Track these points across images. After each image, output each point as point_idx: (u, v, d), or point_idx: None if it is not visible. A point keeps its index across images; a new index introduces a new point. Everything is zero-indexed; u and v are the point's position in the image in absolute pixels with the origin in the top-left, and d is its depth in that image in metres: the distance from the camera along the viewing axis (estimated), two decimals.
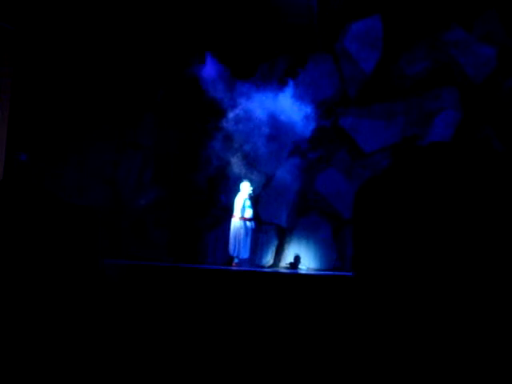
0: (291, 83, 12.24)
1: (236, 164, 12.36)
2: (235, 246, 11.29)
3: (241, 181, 11.60)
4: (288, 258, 11.83)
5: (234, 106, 12.24)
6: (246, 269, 10.10)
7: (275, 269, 10.74)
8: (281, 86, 12.28)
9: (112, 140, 12.49)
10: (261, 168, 12.36)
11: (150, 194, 12.61)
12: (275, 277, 7.26)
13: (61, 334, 1.34)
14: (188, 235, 12.53)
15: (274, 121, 12.15)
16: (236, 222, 11.35)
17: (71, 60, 11.98)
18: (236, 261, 11.31)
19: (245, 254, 11.31)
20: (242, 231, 11.28)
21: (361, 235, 0.92)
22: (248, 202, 11.37)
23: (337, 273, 8.56)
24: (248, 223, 11.35)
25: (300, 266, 11.74)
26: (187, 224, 12.57)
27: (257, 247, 11.80)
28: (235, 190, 11.61)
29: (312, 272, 10.46)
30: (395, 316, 0.87)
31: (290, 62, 12.52)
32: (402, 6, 12.20)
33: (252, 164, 12.41)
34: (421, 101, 12.11)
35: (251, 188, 11.40)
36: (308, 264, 11.72)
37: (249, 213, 11.33)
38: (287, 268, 11.69)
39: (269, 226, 12.31)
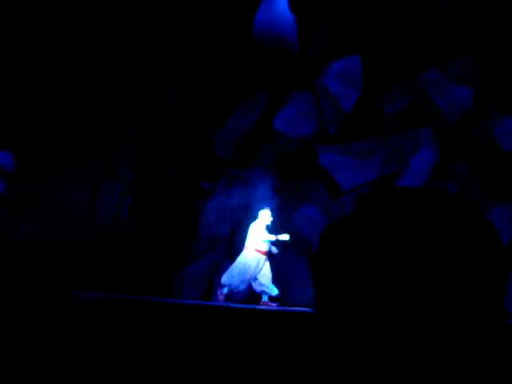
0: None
1: (217, 196, 12.38)
2: (234, 277, 10.42)
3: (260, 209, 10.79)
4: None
5: None
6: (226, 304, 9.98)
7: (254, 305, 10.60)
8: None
9: (90, 172, 12.47)
10: (239, 201, 12.38)
11: (128, 227, 12.57)
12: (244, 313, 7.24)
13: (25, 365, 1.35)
14: (165, 268, 12.46)
15: None
16: (248, 254, 10.42)
17: (50, 89, 12.01)
18: (223, 291, 10.50)
19: (273, 290, 10.46)
20: (253, 265, 10.38)
21: (321, 276, 0.95)
22: (265, 234, 10.47)
23: (299, 309, 8.52)
24: (262, 257, 10.45)
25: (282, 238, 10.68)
26: (164, 257, 12.51)
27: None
28: (217, 224, 11.57)
29: (274, 308, 10.18)
30: (349, 354, 0.89)
31: (269, 100, 12.64)
32: (382, 47, 12.42)
33: (231, 195, 12.44)
34: (398, 139, 12.27)
35: (271, 218, 10.60)
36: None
37: (264, 246, 10.47)
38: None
39: None
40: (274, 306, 10.47)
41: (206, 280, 12.26)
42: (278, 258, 12.07)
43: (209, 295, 11.87)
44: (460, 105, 12.27)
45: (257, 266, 10.46)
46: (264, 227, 10.50)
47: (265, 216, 10.57)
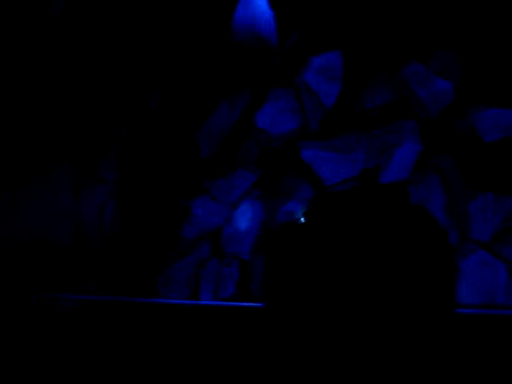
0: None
1: (201, 199, 12.36)
2: None
3: None
4: (253, 290, 11.76)
5: None
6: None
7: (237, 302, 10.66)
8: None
9: (71, 175, 12.42)
10: (224, 199, 12.38)
11: (112, 229, 12.53)
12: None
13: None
14: (149, 269, 12.45)
15: None
16: None
17: (28, 90, 11.94)
18: None
19: None
20: None
21: (271, 273, 0.96)
22: None
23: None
24: None
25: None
26: (149, 258, 12.50)
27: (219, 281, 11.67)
28: (203, 221, 11.56)
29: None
30: (298, 343, 0.92)
31: (251, 97, 12.63)
32: (362, 41, 12.44)
33: (215, 197, 12.43)
34: (381, 133, 12.31)
35: None
36: None
37: None
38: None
39: (232, 260, 12.30)
40: None
41: (192, 278, 12.26)
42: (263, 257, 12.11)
43: (196, 293, 11.87)
44: (442, 97, 12.34)
45: None
46: None
47: None
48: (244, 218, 12.16)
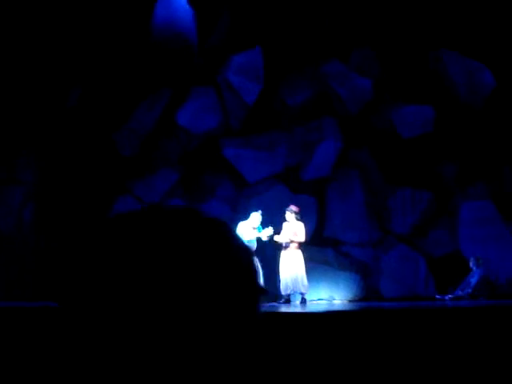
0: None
1: (123, 199, 12.20)
2: None
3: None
4: None
5: None
6: None
7: None
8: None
9: None
10: (146, 199, 12.26)
11: (32, 231, 12.24)
12: None
13: None
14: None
15: None
16: None
17: None
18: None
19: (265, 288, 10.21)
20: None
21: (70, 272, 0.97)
22: (256, 234, 10.33)
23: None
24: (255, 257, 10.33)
25: None
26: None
27: None
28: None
29: None
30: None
31: (172, 96, 12.55)
32: (282, 39, 12.52)
33: (137, 196, 12.30)
34: (302, 130, 12.42)
35: (260, 220, 10.39)
36: None
37: (254, 245, 10.30)
38: None
39: None
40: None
41: None
42: None
43: None
44: (361, 95, 12.53)
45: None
46: (252, 228, 10.35)
47: (256, 218, 10.41)
48: None
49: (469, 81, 12.27)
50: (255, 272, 0.96)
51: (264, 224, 10.57)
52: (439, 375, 5.08)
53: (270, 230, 10.39)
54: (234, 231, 0.98)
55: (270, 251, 10.72)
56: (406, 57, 12.40)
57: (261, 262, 10.70)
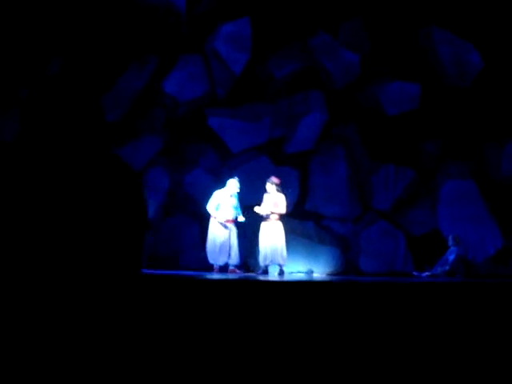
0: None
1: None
2: (219, 252, 10.51)
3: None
4: (153, 259, 11.44)
5: None
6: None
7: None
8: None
9: None
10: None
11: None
12: None
13: None
14: None
15: None
16: (218, 225, 10.54)
17: None
18: (231, 267, 10.54)
19: (238, 259, 10.59)
20: (226, 235, 10.50)
21: None
22: (233, 201, 10.56)
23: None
24: (230, 226, 10.55)
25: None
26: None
27: None
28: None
29: None
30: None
31: (159, 63, 12.44)
32: (271, 10, 12.43)
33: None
34: (288, 103, 12.37)
35: (238, 187, 10.57)
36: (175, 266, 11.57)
37: (232, 214, 10.52)
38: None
39: None
40: (239, 272, 10.58)
41: None
42: (169, 223, 12.02)
43: None
44: (348, 69, 12.46)
45: (230, 236, 10.54)
46: (230, 196, 10.51)
47: (232, 185, 10.55)
48: (150, 185, 11.87)
49: (457, 60, 12.25)
50: (143, 209, 0.96)
51: (244, 193, 10.64)
52: (411, 348, 5.14)
53: (241, 218, 10.58)
54: (142, 179, 0.97)
55: (250, 222, 10.76)
56: (396, 33, 12.35)
57: (240, 232, 10.80)
